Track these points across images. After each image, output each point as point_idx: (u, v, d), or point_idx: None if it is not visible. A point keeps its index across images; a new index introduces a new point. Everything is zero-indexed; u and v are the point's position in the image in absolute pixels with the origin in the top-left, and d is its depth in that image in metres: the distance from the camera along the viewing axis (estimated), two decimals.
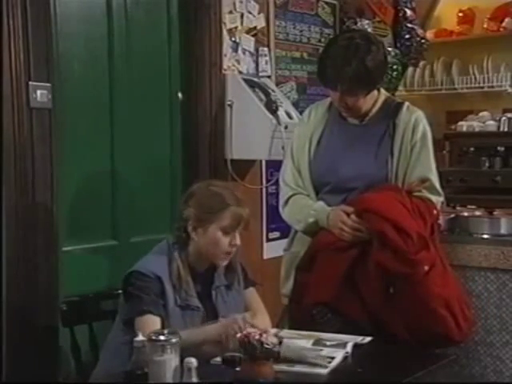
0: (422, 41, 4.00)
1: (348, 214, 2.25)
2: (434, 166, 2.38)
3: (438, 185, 2.38)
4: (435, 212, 2.32)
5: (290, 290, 2.39)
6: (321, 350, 1.95)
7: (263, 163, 3.27)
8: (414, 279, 2.17)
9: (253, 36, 3.23)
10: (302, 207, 2.38)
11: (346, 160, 2.35)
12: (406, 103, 2.44)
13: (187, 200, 2.13)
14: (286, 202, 2.43)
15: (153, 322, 1.95)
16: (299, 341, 1.97)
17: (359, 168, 2.32)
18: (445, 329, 2.19)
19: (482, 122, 4.42)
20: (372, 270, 2.18)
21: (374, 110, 2.40)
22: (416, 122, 2.36)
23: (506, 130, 4.30)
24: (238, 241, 2.09)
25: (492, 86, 4.43)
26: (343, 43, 2.34)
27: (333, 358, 1.90)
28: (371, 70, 2.28)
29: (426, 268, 2.18)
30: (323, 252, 2.28)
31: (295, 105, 3.36)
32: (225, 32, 3.08)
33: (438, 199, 2.38)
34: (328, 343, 2.00)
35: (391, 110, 2.39)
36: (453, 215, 3.03)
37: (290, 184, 2.43)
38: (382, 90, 2.46)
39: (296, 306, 2.35)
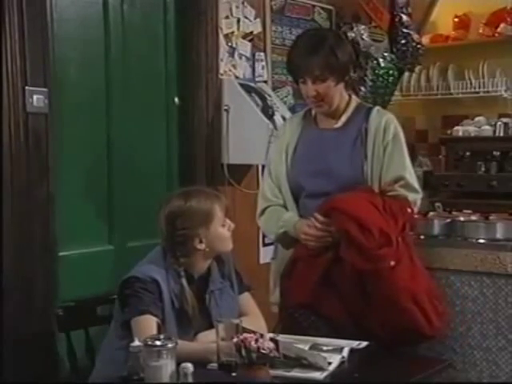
0: (418, 46, 4.02)
1: (317, 219, 2.28)
2: (408, 164, 2.41)
3: (414, 182, 2.40)
4: (409, 210, 2.34)
5: (278, 298, 2.42)
6: (317, 354, 1.95)
7: (259, 168, 3.27)
8: (380, 274, 2.20)
9: (249, 41, 3.24)
10: (275, 219, 2.44)
11: (322, 165, 2.38)
12: (377, 107, 2.49)
13: (174, 223, 2.10)
14: (262, 213, 2.49)
15: (151, 322, 1.94)
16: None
17: (334, 173, 2.35)
18: (413, 323, 2.21)
19: (478, 126, 4.44)
20: (348, 269, 2.22)
21: (347, 114, 2.43)
22: (387, 124, 2.39)
23: (501, 134, 4.32)
24: (232, 223, 2.18)
25: (487, 91, 4.44)
26: (311, 33, 2.50)
27: (329, 362, 1.90)
28: (340, 58, 2.33)
29: (392, 263, 2.20)
30: (302, 258, 2.33)
31: (291, 109, 3.36)
32: (221, 37, 3.09)
33: (415, 197, 2.39)
34: (324, 348, 2.01)
35: (362, 115, 2.42)
36: (449, 220, 3.03)
37: (266, 195, 2.48)
38: (354, 97, 2.50)
39: (282, 312, 2.39)
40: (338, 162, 2.36)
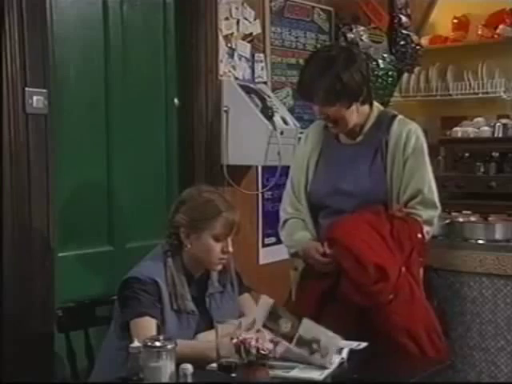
0: (417, 47, 4.02)
1: (322, 244, 2.24)
2: (428, 179, 2.30)
3: (433, 197, 2.30)
4: (419, 236, 2.24)
5: None
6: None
7: (259, 169, 3.28)
8: (377, 308, 2.15)
9: (249, 42, 3.24)
10: (291, 235, 2.41)
11: (341, 182, 2.32)
12: (399, 117, 2.37)
13: (178, 207, 2.14)
14: (282, 226, 2.46)
15: (150, 324, 1.95)
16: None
17: (354, 189, 2.28)
18: (407, 356, 2.13)
19: (477, 127, 4.45)
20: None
21: (367, 126, 2.34)
22: (407, 137, 2.29)
23: (500, 135, 4.34)
24: (230, 248, 2.11)
25: (486, 92, 4.45)
26: (322, 55, 2.33)
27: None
28: (347, 82, 2.21)
29: (391, 297, 2.15)
30: (312, 270, 2.30)
31: (291, 111, 3.36)
32: (221, 38, 3.09)
33: (431, 214, 2.29)
34: None
35: (384, 126, 2.33)
36: (448, 221, 3.04)
37: (286, 208, 2.45)
38: (376, 104, 2.39)
39: None
40: (357, 180, 2.28)
